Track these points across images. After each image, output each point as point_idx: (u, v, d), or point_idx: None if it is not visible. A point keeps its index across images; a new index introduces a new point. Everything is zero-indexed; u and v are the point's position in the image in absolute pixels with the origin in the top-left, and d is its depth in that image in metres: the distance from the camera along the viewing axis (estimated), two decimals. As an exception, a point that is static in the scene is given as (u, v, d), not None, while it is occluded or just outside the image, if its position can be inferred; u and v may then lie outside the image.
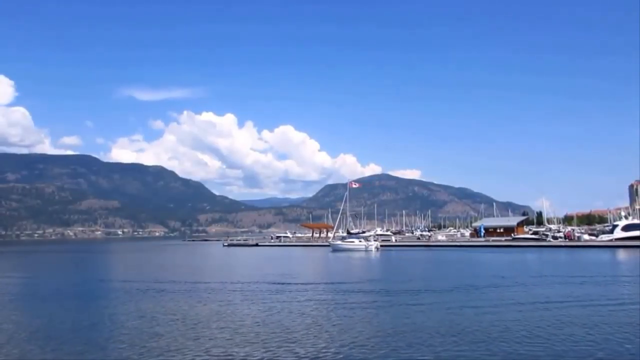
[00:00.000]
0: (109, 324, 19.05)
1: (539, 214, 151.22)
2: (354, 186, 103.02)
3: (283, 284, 31.44)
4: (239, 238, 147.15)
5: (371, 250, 72.67)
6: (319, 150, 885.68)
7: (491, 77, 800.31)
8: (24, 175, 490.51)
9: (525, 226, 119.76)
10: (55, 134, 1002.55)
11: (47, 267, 63.14)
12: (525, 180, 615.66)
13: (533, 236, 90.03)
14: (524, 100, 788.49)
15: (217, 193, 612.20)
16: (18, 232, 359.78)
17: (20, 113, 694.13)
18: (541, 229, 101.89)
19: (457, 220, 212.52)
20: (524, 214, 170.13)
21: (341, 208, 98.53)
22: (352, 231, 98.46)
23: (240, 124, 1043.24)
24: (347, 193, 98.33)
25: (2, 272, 50.21)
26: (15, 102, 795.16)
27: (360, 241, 78.94)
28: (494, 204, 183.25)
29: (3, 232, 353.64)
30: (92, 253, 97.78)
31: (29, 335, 17.51)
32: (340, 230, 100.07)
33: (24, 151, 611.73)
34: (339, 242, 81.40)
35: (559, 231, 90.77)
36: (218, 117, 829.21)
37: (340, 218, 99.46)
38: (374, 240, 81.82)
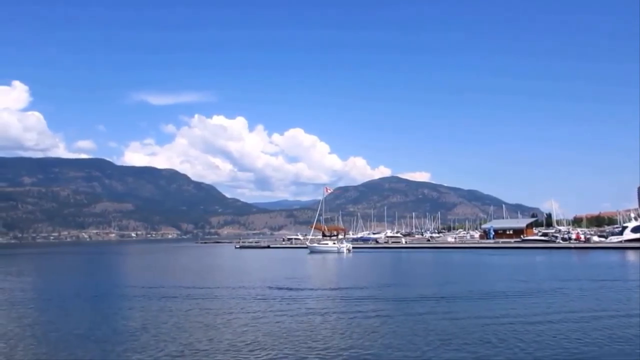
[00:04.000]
0: (136, 327, 20.15)
1: (548, 216, 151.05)
2: (328, 192, 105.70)
3: (297, 289, 32.19)
4: (250, 240, 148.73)
5: (343, 252, 76.49)
6: (329, 153, 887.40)
7: (500, 81, 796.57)
8: (39, 179, 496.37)
9: (534, 228, 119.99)
10: (69, 138, 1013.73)
11: (68, 269, 64.76)
12: (534, 182, 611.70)
13: (542, 238, 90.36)
14: (532, 103, 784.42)
15: (228, 196, 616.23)
16: (34, 235, 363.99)
17: (35, 118, 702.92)
18: (550, 231, 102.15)
19: (467, 222, 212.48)
20: (533, 216, 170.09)
21: (317, 211, 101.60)
22: (361, 233, 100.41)
23: (251, 128, 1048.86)
24: (322, 198, 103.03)
25: (27, 274, 51.85)
26: (30, 107, 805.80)
27: (333, 243, 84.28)
28: (503, 206, 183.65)
29: (20, 235, 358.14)
30: (109, 255, 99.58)
31: (63, 336, 18.63)
32: (352, 233, 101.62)
33: (39, 155, 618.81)
34: (315, 244, 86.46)
35: (568, 232, 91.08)
36: (229, 120, 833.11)
37: (317, 220, 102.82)
38: (346, 242, 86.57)
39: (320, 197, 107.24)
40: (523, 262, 52.79)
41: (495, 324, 18.40)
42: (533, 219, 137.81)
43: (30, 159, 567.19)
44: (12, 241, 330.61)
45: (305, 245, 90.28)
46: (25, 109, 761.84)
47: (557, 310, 21.34)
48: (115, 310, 23.55)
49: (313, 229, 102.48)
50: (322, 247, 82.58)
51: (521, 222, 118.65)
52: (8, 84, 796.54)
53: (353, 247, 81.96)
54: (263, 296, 27.39)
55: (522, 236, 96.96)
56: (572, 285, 29.91)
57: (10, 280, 42.71)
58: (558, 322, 18.84)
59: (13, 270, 57.50)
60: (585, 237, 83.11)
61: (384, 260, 61.61)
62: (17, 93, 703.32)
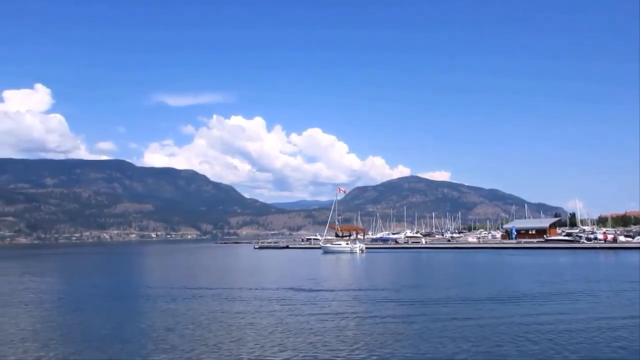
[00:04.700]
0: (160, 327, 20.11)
1: (572, 215, 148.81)
2: (341, 192, 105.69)
3: (319, 290, 32.13)
4: (269, 240, 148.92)
5: (355, 252, 76.45)
6: (348, 153, 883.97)
7: (522, 81, 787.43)
8: (62, 180, 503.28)
9: (557, 228, 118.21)
10: (90, 140, 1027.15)
11: (91, 269, 65.49)
12: (557, 181, 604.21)
13: (566, 238, 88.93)
14: (556, 101, 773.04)
15: (247, 196, 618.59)
16: (57, 236, 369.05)
17: (57, 120, 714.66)
18: (574, 231, 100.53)
19: (488, 222, 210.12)
20: (556, 216, 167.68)
21: (331, 212, 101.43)
22: (380, 233, 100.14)
23: (269, 128, 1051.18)
24: (336, 198, 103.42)
25: (51, 274, 52.42)
26: (52, 110, 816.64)
27: (347, 243, 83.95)
28: (526, 205, 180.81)
29: (43, 236, 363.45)
30: (130, 255, 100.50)
31: (94, 336, 18.68)
32: (371, 233, 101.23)
33: (61, 157, 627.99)
34: (329, 244, 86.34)
35: (593, 232, 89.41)
36: (247, 121, 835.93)
37: (330, 220, 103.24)
38: (360, 243, 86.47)
39: (339, 197, 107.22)
40: (547, 263, 51.90)
41: (524, 328, 17.89)
42: (556, 219, 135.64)
43: (52, 161, 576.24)
44: (36, 242, 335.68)
45: (319, 246, 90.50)
46: (48, 112, 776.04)
47: (589, 313, 20.72)
48: (140, 310, 23.67)
49: (327, 229, 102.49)
50: (335, 247, 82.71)
51: (544, 222, 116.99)
52: (31, 86, 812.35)
53: (372, 248, 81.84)
54: (285, 297, 27.22)
55: (545, 236, 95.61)
56: (602, 287, 29.13)
57: (36, 280, 43.25)
58: (591, 325, 18.24)
59: (38, 270, 58.31)
60: (613, 237, 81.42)
61: (403, 261, 61.10)
62: (40, 96, 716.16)
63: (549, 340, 15.87)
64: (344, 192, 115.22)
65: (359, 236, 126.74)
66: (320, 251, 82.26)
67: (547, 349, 14.96)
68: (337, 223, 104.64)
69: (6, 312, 24.11)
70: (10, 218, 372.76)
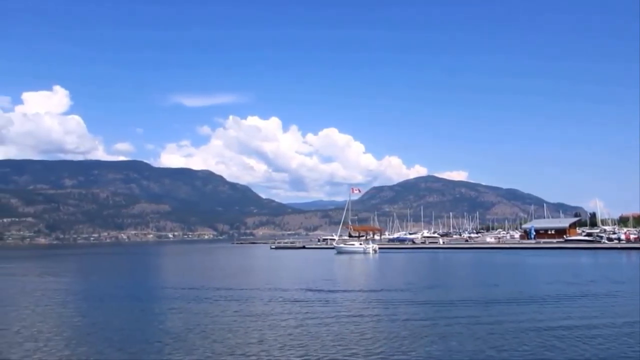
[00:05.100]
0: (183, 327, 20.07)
1: (593, 215, 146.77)
2: (355, 192, 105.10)
3: (337, 291, 32.09)
4: (286, 241, 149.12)
5: (368, 253, 76.38)
6: (364, 153, 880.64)
7: (539, 80, 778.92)
8: (80, 181, 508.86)
9: (577, 228, 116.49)
10: (108, 141, 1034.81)
11: (110, 269, 66.12)
12: (577, 180, 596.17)
13: (587, 238, 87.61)
14: (576, 101, 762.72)
15: (263, 196, 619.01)
16: (75, 236, 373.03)
17: (75, 121, 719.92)
18: (595, 231, 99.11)
19: (506, 222, 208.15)
20: (576, 215, 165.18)
21: (344, 211, 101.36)
22: (397, 233, 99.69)
23: (285, 128, 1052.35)
24: (349, 198, 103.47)
25: (71, 275, 52.93)
26: (70, 111, 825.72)
27: (360, 244, 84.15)
28: (545, 205, 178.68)
29: (61, 236, 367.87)
30: (148, 255, 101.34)
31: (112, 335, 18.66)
32: (388, 233, 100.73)
33: (80, 158, 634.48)
34: (342, 244, 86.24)
35: (614, 232, 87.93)
36: (263, 121, 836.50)
37: (343, 220, 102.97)
38: (372, 243, 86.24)
39: (356, 197, 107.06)
40: (568, 263, 51.17)
41: (552, 331, 17.43)
42: (576, 219, 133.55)
43: (71, 162, 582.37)
44: (55, 242, 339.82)
45: (333, 246, 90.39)
46: (66, 113, 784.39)
47: (617, 317, 20.12)
48: (159, 311, 23.72)
49: (340, 229, 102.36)
50: (348, 247, 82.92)
51: (564, 222, 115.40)
52: (49, 88, 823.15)
53: (389, 248, 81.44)
54: (302, 299, 27.09)
55: (564, 236, 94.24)
56: (627, 288, 28.40)
57: (56, 281, 43.75)
58: (623, 330, 17.64)
59: (57, 271, 58.90)
60: (635, 237, 79.93)
61: (420, 261, 60.70)
62: (58, 97, 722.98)
63: (580, 344, 15.49)
64: (359, 191, 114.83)
65: (375, 236, 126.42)
66: (334, 251, 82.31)
67: (577, 355, 14.57)
68: (352, 223, 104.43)
69: (28, 312, 24.29)
70: (29, 219, 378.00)
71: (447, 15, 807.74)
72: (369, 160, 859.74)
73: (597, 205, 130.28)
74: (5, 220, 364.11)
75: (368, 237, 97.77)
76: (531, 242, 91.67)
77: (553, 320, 19.37)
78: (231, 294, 28.97)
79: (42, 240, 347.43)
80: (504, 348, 15.16)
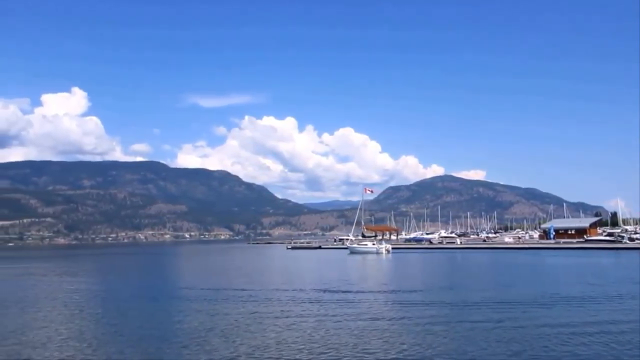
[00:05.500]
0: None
1: (614, 215, 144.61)
2: (367, 192, 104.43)
3: (355, 292, 31.89)
4: (302, 241, 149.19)
5: (381, 253, 75.93)
6: (381, 152, 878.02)
7: (557, 81, 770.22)
8: (98, 182, 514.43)
9: (598, 227, 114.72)
10: (125, 142, 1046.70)
11: (129, 269, 66.76)
12: (597, 180, 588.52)
13: (608, 238, 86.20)
14: (595, 101, 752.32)
15: (279, 196, 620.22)
16: (93, 236, 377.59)
17: (94, 122, 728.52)
18: (616, 230, 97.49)
19: (525, 221, 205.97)
20: (596, 215, 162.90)
21: (357, 211, 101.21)
22: (414, 233, 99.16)
23: (301, 128, 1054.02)
24: (362, 199, 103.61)
25: (91, 275, 53.42)
26: (88, 112, 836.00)
27: (373, 244, 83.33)
28: (564, 204, 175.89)
29: (80, 236, 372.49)
30: (165, 255, 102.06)
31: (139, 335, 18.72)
32: (405, 233, 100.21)
33: (98, 159, 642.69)
34: (355, 245, 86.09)
35: (635, 232, 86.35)
36: (279, 121, 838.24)
37: (356, 220, 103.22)
38: (385, 243, 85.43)
39: (372, 197, 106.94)
40: (589, 264, 50.36)
41: (578, 334, 16.93)
42: (597, 218, 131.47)
43: (89, 163, 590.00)
44: (73, 242, 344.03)
45: (346, 246, 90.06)
46: (84, 114, 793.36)
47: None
48: (178, 311, 23.69)
49: (354, 228, 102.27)
50: (361, 247, 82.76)
51: (584, 222, 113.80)
52: (68, 90, 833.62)
53: (405, 248, 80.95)
54: (320, 299, 26.89)
55: (585, 236, 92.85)
56: (652, 289, 27.62)
57: (75, 281, 44.19)
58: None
59: (77, 271, 59.55)
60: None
61: (436, 261, 60.20)
62: (77, 99, 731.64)
63: (608, 348, 15.08)
64: (371, 192, 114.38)
65: (392, 236, 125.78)
66: (347, 251, 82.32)
67: (601, 351, 14.31)
68: (365, 224, 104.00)
69: (49, 313, 24.44)
70: (49, 219, 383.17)
71: (466, 15, 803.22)
72: (385, 160, 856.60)
73: (618, 205, 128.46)
74: (25, 220, 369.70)
75: (381, 237, 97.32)
76: (551, 242, 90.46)
77: (579, 322, 18.91)
78: (249, 295, 28.88)
79: (61, 241, 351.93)
80: (529, 351, 14.79)
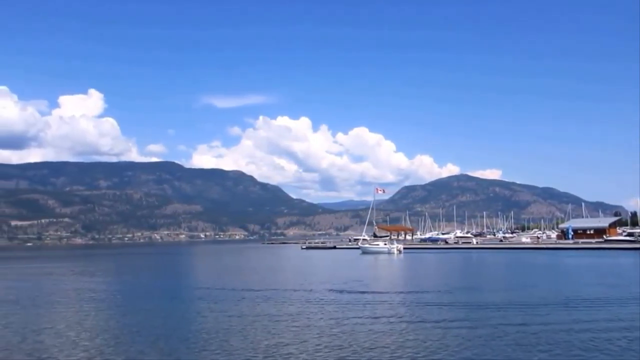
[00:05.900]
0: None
1: (634, 214, 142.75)
2: (378, 192, 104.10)
3: (373, 292, 31.99)
4: (316, 241, 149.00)
5: (393, 253, 75.91)
6: (395, 152, 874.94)
7: (574, 81, 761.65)
8: (114, 182, 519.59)
9: (618, 227, 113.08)
10: (141, 143, 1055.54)
11: (146, 269, 67.15)
12: (616, 178, 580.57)
13: (628, 238, 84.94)
14: (610, 101, 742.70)
15: (294, 196, 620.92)
16: (110, 236, 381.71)
17: (110, 124, 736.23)
18: (636, 230, 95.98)
19: (542, 221, 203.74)
20: (616, 215, 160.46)
21: (369, 211, 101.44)
22: (429, 233, 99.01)
23: (315, 128, 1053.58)
24: (373, 199, 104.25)
25: (108, 274, 53.95)
26: (105, 114, 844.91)
27: (384, 244, 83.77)
28: (583, 204, 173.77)
29: (97, 236, 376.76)
30: (181, 255, 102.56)
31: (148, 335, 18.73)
32: (420, 233, 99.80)
33: (114, 159, 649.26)
34: (367, 245, 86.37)
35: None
36: (293, 121, 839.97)
37: (369, 220, 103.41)
38: (397, 243, 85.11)
39: (387, 197, 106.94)
40: (609, 264, 49.62)
41: (603, 338, 16.50)
42: (616, 218, 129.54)
43: (105, 164, 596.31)
44: (90, 242, 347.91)
45: (358, 246, 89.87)
46: (101, 116, 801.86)
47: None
48: (195, 310, 23.74)
49: (365, 228, 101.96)
50: (373, 247, 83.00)
51: (603, 222, 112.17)
52: (85, 91, 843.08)
53: (421, 248, 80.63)
54: (335, 299, 26.80)
55: (604, 236, 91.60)
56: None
57: (93, 280, 44.49)
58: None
59: (94, 270, 59.98)
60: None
61: (452, 261, 59.66)
62: (93, 100, 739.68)
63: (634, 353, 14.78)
64: (383, 191, 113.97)
65: (407, 236, 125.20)
66: (359, 251, 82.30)
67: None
68: (380, 223, 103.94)
69: (68, 312, 24.65)
70: (66, 219, 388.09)
71: (483, 15, 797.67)
72: (400, 160, 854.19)
73: (638, 204, 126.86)
74: (43, 221, 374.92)
75: (392, 237, 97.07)
76: (569, 243, 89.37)
77: (602, 328, 18.47)
78: (265, 294, 28.89)
79: (78, 241, 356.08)
80: (556, 357, 14.49)
